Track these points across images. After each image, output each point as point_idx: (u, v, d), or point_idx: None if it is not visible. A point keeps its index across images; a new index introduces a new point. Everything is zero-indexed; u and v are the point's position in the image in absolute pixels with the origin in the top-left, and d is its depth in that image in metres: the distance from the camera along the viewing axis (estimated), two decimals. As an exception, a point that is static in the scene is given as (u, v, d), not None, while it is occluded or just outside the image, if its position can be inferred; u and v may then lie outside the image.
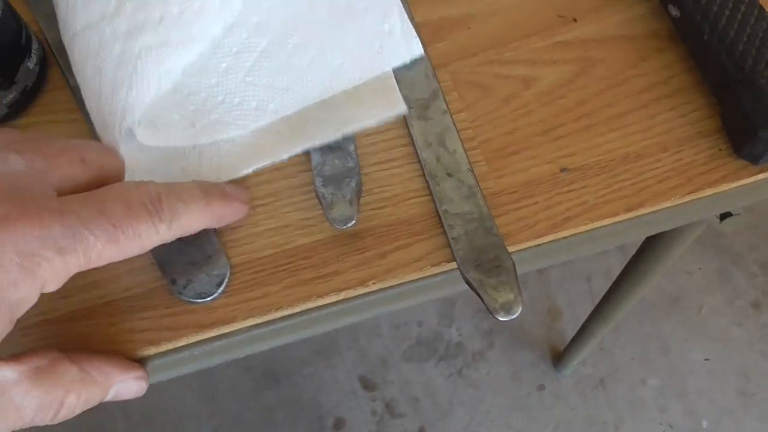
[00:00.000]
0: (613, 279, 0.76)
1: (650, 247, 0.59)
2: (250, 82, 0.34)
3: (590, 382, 1.21)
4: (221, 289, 0.30)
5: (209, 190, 0.28)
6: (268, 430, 1.17)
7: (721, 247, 1.31)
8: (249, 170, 0.32)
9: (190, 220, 0.27)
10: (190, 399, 1.18)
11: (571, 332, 1.09)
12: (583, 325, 0.97)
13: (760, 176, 0.32)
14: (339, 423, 1.18)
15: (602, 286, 1.09)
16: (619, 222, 0.32)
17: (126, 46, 0.31)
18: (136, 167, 0.32)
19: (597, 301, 0.88)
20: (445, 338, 1.26)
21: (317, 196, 0.31)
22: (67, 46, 0.34)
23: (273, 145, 0.33)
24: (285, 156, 0.33)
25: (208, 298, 0.30)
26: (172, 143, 0.33)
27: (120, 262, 0.31)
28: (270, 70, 0.34)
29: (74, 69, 0.34)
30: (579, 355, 1.08)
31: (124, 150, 0.32)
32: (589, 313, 0.93)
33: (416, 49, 0.35)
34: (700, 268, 1.30)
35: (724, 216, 0.45)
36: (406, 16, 0.35)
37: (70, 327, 0.30)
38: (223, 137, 0.33)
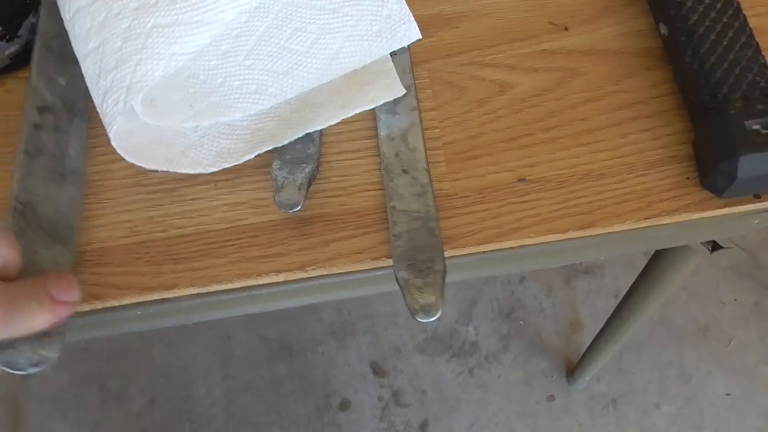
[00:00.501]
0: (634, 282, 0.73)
1: (651, 271, 0.57)
2: (250, 66, 0.34)
3: (602, 399, 1.18)
4: (35, 370, 0.27)
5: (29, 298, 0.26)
6: (275, 400, 1.20)
7: (762, 280, 1.24)
8: (251, 155, 0.33)
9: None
10: (207, 360, 1.23)
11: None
12: (592, 341, 0.95)
13: (724, 210, 0.31)
14: (345, 404, 1.20)
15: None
16: (569, 240, 0.31)
17: (135, 23, 0.31)
18: (135, 148, 0.33)
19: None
20: (461, 336, 1.25)
21: (272, 178, 0.32)
22: (68, 21, 0.35)
23: (274, 129, 0.34)
24: (285, 141, 0.33)
25: (18, 372, 0.28)
26: (171, 123, 0.33)
27: (90, 218, 0.33)
28: (269, 54, 0.35)
29: (74, 42, 0.34)
30: (589, 370, 1.06)
31: (125, 128, 0.33)
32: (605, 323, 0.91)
33: (414, 33, 0.35)
34: (735, 300, 1.25)
35: (715, 247, 0.43)
36: (403, 0, 0.35)
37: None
38: (223, 120, 0.34)
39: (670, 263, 0.50)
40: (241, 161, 0.33)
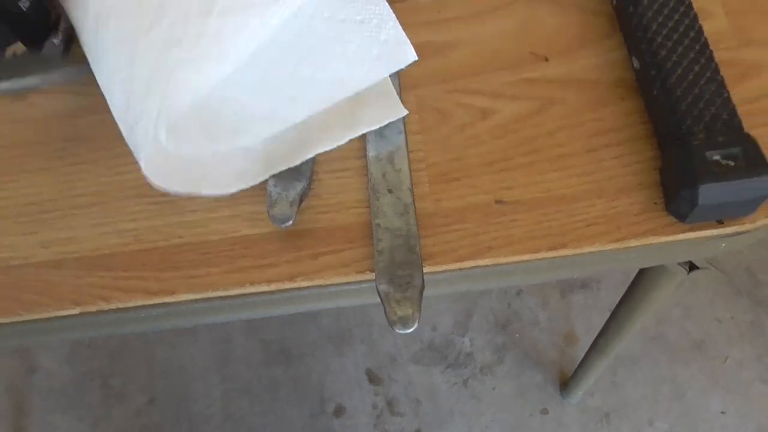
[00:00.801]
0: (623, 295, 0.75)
1: (635, 288, 0.59)
2: (261, 93, 0.37)
3: (595, 414, 1.19)
4: None
5: None
6: (271, 403, 1.22)
7: (759, 298, 1.26)
8: (266, 176, 0.35)
9: None
10: (206, 361, 1.25)
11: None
12: (585, 355, 0.97)
13: (690, 235, 0.33)
14: (339, 410, 1.22)
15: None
16: (541, 259, 0.34)
17: (161, 57, 0.34)
18: (160, 173, 0.35)
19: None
20: (457, 347, 1.27)
21: (267, 194, 0.35)
22: (93, 58, 0.37)
23: (286, 151, 0.36)
24: (297, 161, 0.35)
25: None
26: (192, 149, 0.36)
27: (98, 225, 0.35)
28: (278, 81, 0.37)
29: (99, 76, 0.37)
30: (582, 384, 1.07)
31: (149, 154, 0.35)
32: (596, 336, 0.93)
33: (410, 55, 0.37)
34: (732, 318, 1.26)
35: (692, 267, 0.45)
36: (399, 25, 0.37)
37: (44, 273, 0.35)
38: (238, 145, 0.36)
39: (653, 280, 0.52)
40: (257, 182, 0.35)
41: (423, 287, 0.31)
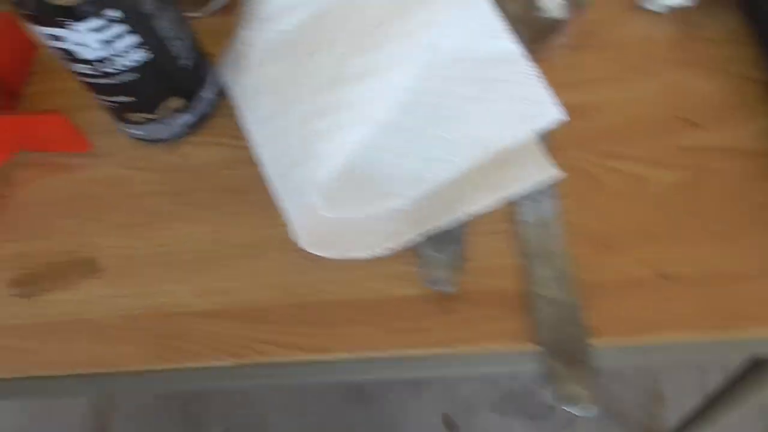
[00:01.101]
0: (730, 376, 0.71)
1: (751, 371, 0.55)
2: (406, 155, 0.38)
3: (686, 481, 1.12)
4: None
5: None
6: (346, 443, 1.21)
7: None
8: (414, 236, 0.36)
9: None
10: (284, 395, 1.26)
11: (671, 423, 1.02)
12: (684, 422, 0.91)
13: None
14: (414, 454, 1.20)
15: (716, 382, 1.00)
16: (710, 340, 0.32)
17: (301, 131, 0.36)
18: (314, 240, 0.37)
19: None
20: (537, 398, 1.23)
21: (418, 254, 0.35)
22: (248, 129, 0.41)
23: (433, 212, 0.36)
24: (444, 222, 0.36)
25: None
26: (346, 215, 0.37)
27: (251, 277, 0.36)
28: (424, 145, 0.38)
29: (258, 150, 0.40)
30: (674, 451, 1.01)
31: (302, 224, 0.37)
32: (696, 408, 0.87)
33: (557, 114, 0.36)
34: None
35: None
36: (543, 83, 0.37)
37: (201, 322, 0.36)
38: (388, 207, 0.37)
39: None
40: (406, 242, 0.35)
41: (592, 362, 0.30)
